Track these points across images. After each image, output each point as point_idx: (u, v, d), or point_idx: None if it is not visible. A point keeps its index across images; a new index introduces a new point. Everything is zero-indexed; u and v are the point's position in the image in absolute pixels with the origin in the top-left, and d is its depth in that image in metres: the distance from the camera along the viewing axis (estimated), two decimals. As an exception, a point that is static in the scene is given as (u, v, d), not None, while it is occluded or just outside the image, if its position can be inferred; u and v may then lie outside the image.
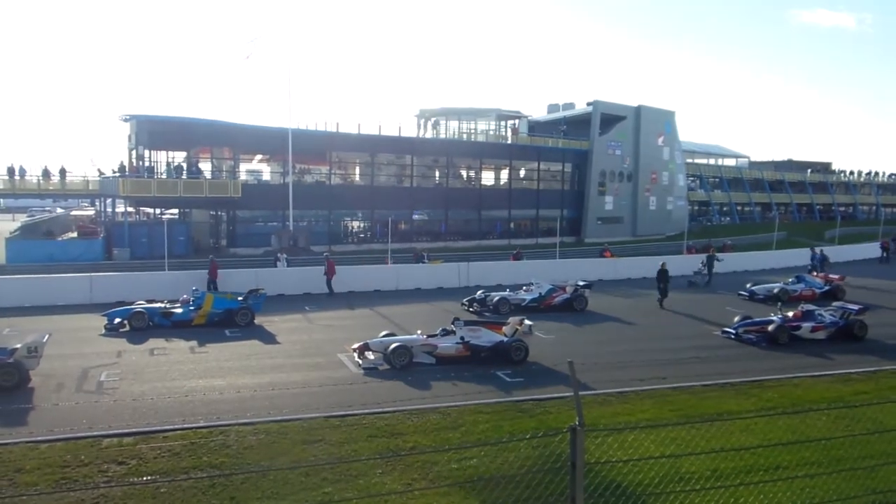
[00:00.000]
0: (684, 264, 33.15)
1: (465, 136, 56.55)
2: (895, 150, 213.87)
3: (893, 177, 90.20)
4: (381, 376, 14.77)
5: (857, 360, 16.69)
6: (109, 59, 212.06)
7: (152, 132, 40.89)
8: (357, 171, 51.52)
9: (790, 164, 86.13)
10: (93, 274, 26.20)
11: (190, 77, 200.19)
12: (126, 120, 41.83)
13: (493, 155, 55.59)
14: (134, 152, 41.79)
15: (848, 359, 16.88)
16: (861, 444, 9.80)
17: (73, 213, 63.67)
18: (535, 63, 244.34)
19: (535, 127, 60.30)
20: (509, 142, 55.96)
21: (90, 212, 58.66)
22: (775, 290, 26.62)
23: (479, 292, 24.54)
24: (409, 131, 54.64)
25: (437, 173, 53.18)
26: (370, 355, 15.74)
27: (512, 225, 54.63)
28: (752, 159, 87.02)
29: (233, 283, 24.84)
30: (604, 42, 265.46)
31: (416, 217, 50.98)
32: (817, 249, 36.67)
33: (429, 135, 54.27)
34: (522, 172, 57.55)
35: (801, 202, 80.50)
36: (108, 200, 44.46)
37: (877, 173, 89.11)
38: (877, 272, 37.88)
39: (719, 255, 34.16)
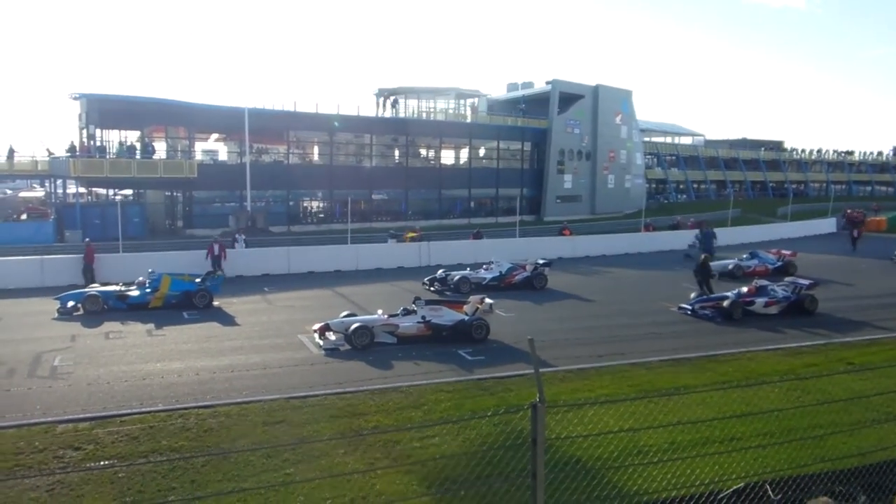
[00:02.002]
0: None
1: (424, 114, 56.24)
2: (842, 128, 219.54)
3: (842, 154, 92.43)
4: (342, 357, 14.71)
5: (808, 334, 17.17)
6: (59, 35, 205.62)
7: (104, 111, 39.76)
8: (315, 150, 50.92)
9: (744, 143, 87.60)
10: (44, 256, 25.58)
11: (143, 55, 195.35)
12: (76, 98, 40.59)
13: (452, 134, 55.44)
14: (85, 132, 40.60)
15: (799, 332, 17.36)
16: (811, 414, 10.13)
17: (22, 194, 61.83)
18: (494, 41, 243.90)
19: (495, 106, 60.24)
20: (469, 121, 55.85)
21: (40, 193, 57.04)
22: (730, 267, 27.30)
23: (439, 271, 24.58)
24: (368, 110, 54.20)
25: (397, 153, 52.88)
26: (331, 336, 15.66)
27: (472, 204, 54.64)
28: (708, 138, 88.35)
29: (190, 265, 24.43)
30: (562, 21, 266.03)
31: (375, 197, 50.68)
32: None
33: (388, 114, 53.85)
34: (482, 151, 57.53)
35: (754, 180, 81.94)
36: (59, 181, 43.24)
37: (827, 151, 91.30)
38: (828, 247, 38.92)
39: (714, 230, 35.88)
